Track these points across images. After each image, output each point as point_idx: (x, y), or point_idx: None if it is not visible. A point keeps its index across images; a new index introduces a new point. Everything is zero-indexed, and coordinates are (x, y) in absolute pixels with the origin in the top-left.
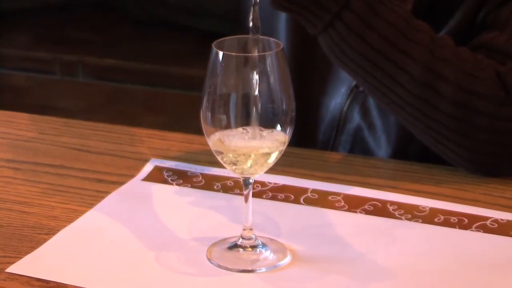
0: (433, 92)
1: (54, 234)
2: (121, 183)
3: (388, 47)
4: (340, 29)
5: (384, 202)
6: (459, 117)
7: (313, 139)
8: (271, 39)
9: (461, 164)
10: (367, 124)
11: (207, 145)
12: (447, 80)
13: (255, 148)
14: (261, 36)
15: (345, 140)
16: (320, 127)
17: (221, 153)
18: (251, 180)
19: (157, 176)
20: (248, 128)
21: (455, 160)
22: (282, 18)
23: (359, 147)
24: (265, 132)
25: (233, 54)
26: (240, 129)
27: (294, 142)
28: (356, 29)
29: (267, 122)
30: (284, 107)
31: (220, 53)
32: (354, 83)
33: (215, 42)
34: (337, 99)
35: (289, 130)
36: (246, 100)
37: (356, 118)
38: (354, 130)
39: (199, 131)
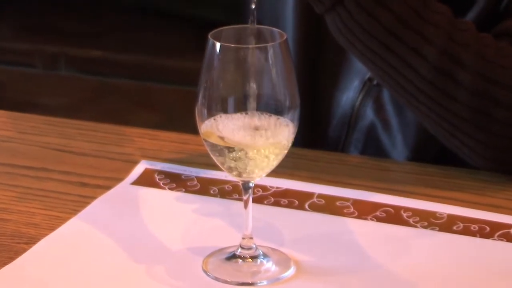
0: (449, 79)
1: (34, 243)
2: (108, 188)
3: (402, 28)
4: (350, 6)
5: (397, 209)
6: (476, 108)
7: (323, 137)
8: (274, 29)
9: (476, 161)
10: (382, 121)
11: (203, 145)
12: (465, 66)
13: (255, 144)
14: (263, 26)
15: (357, 138)
16: (330, 123)
17: (218, 152)
18: (251, 184)
19: (147, 179)
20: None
21: (470, 156)
22: (289, 3)
23: (372, 146)
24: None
25: (232, 45)
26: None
27: (302, 140)
28: (367, 6)
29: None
30: (287, 103)
31: (217, 44)
32: (367, 75)
33: (211, 32)
34: (348, 93)
35: (293, 129)
36: (245, 97)
37: (369, 115)
38: (367, 127)
39: (194, 130)
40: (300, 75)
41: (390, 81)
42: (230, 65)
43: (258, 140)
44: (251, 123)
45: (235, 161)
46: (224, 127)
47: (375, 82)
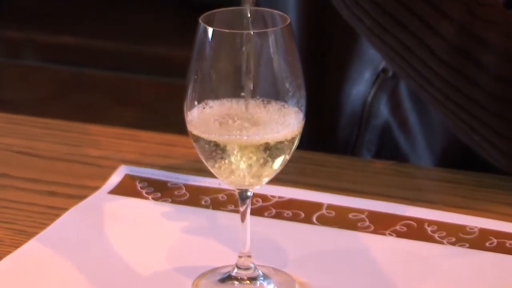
0: (470, 61)
1: None
2: (81, 198)
3: None
4: None
5: (420, 222)
6: (501, 96)
7: (330, 138)
8: (275, 11)
9: (500, 161)
10: (398, 119)
11: (193, 147)
12: (489, 47)
13: (254, 141)
14: (262, 8)
15: (369, 139)
16: (338, 122)
17: (209, 153)
18: (249, 193)
19: (128, 188)
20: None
21: (493, 156)
22: None
23: (388, 149)
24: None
25: (226, 31)
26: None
27: (306, 142)
28: None
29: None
30: (291, 97)
31: (210, 30)
32: (381, 66)
33: (202, 16)
34: (359, 86)
35: (297, 126)
36: (242, 90)
37: (383, 112)
38: (381, 127)
39: (182, 130)
40: (303, 66)
41: (401, 64)
42: (225, 54)
43: (257, 136)
44: (249, 117)
45: (229, 164)
46: (216, 124)
47: (390, 74)
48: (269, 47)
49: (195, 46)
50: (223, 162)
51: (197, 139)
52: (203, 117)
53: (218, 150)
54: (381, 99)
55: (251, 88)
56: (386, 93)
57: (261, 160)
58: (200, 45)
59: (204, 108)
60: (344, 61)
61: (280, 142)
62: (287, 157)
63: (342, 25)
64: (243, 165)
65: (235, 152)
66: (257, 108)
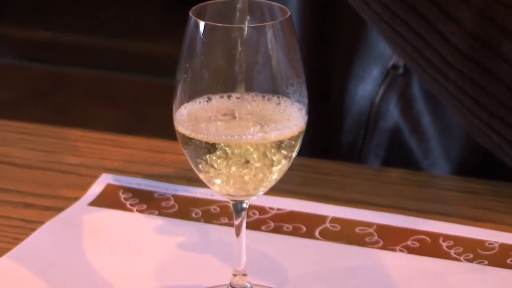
0: (489, 51)
1: None
2: (59, 210)
3: None
4: None
5: (434, 236)
6: None
7: (334, 142)
8: (274, 3)
9: None
10: (410, 122)
11: (182, 154)
12: (511, 35)
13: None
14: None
15: (377, 144)
16: (342, 125)
17: (198, 157)
18: (244, 205)
19: (110, 198)
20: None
21: None
22: None
23: (398, 154)
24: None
25: (220, 24)
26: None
27: (309, 145)
28: None
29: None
30: (291, 96)
31: (201, 24)
32: (391, 62)
33: (193, 8)
34: (366, 85)
35: (299, 126)
36: (238, 90)
37: (393, 113)
38: (390, 130)
39: (170, 134)
40: (303, 62)
41: (413, 54)
42: (218, 50)
43: (254, 136)
44: (245, 116)
45: (222, 170)
46: (208, 123)
47: (401, 71)
48: (267, 42)
49: (185, 41)
50: (215, 168)
51: (186, 141)
52: (193, 116)
53: (209, 153)
54: (390, 99)
55: (247, 88)
56: (397, 92)
57: (259, 165)
58: (191, 41)
59: (194, 106)
60: (350, 57)
61: (280, 143)
62: (288, 162)
63: (347, 16)
64: (238, 172)
65: (229, 156)
66: (253, 107)
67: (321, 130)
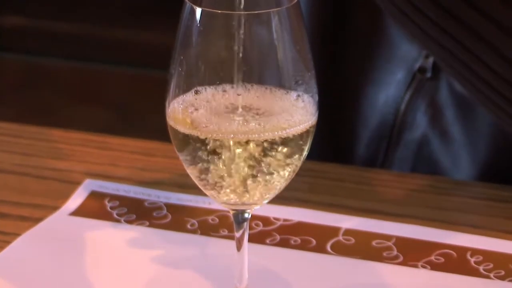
0: None
1: None
2: (37, 220)
3: None
4: None
5: (461, 251)
6: None
7: (348, 155)
8: None
9: None
10: (439, 132)
11: (176, 157)
12: None
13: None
14: None
15: (402, 157)
16: (360, 136)
17: (195, 160)
18: (246, 215)
19: (94, 208)
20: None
21: None
22: None
23: (424, 168)
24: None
25: (218, 11)
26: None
27: (319, 159)
28: None
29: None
30: (300, 92)
31: (198, 10)
32: (418, 64)
33: None
34: (388, 90)
35: (307, 123)
36: (239, 84)
37: (421, 123)
38: (417, 142)
39: (162, 135)
40: (314, 61)
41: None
42: (216, 41)
43: (258, 134)
44: (247, 110)
45: (221, 173)
46: (205, 118)
47: (428, 74)
48: (272, 31)
49: (179, 30)
50: (213, 172)
51: (180, 141)
52: (188, 110)
53: (207, 155)
54: (418, 107)
55: (249, 82)
56: (425, 99)
57: (263, 169)
58: (186, 29)
59: (189, 102)
60: (369, 56)
61: (288, 144)
62: (296, 166)
63: (366, 8)
64: (239, 176)
65: (229, 157)
66: (257, 103)
67: (336, 142)
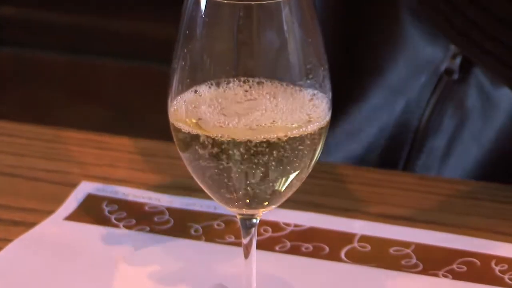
0: None
1: None
2: (30, 225)
3: None
4: None
5: (486, 259)
6: None
7: (365, 163)
8: None
9: None
10: (467, 137)
11: (179, 157)
12: None
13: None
14: None
15: (424, 165)
16: (377, 143)
17: (199, 160)
18: (254, 221)
19: (91, 212)
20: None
21: None
22: None
23: (452, 175)
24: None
25: (225, 1)
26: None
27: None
28: None
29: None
30: (312, 89)
31: (202, 0)
32: (444, 65)
33: None
34: (410, 92)
35: (320, 127)
36: (247, 80)
37: (448, 128)
38: (442, 148)
39: (164, 134)
40: (328, 56)
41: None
42: (222, 32)
43: (266, 133)
44: (255, 107)
45: (228, 176)
46: (210, 115)
47: (456, 76)
48: (282, 22)
49: (182, 21)
50: (219, 173)
51: (183, 140)
52: (192, 107)
53: (212, 155)
54: (444, 111)
55: (258, 77)
56: (452, 102)
57: (273, 170)
58: (190, 20)
59: (193, 98)
60: (389, 57)
61: (299, 143)
62: (307, 167)
63: (384, 5)
64: (247, 178)
65: (235, 158)
66: (266, 100)
67: (350, 148)
